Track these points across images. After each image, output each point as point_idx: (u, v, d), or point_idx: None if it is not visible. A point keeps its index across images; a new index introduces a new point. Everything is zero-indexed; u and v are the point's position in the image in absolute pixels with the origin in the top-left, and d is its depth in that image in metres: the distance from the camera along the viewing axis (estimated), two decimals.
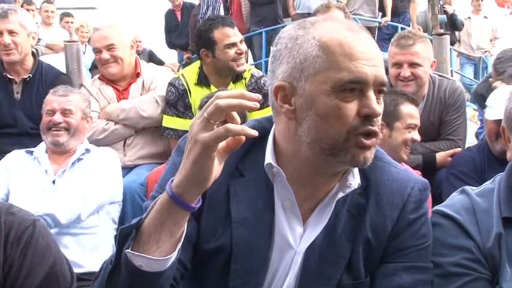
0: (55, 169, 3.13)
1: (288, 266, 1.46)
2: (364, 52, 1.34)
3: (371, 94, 1.33)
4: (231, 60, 3.61)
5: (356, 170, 1.45)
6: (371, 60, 1.34)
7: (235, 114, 1.19)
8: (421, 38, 3.40)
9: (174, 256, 1.25)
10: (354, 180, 1.44)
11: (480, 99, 3.72)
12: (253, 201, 1.45)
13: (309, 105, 1.35)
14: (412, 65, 3.34)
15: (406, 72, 3.33)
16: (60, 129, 3.15)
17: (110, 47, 3.71)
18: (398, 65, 3.36)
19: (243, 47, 3.67)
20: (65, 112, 3.19)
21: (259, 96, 1.18)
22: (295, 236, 1.46)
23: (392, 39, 3.50)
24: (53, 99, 3.23)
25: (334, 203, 1.44)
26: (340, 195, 1.43)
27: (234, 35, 3.63)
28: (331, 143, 1.34)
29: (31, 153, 3.20)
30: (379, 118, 1.37)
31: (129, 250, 1.23)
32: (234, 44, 3.61)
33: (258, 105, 1.15)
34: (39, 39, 5.69)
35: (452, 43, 9.80)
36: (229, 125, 1.15)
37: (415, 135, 2.99)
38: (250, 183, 1.46)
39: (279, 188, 1.45)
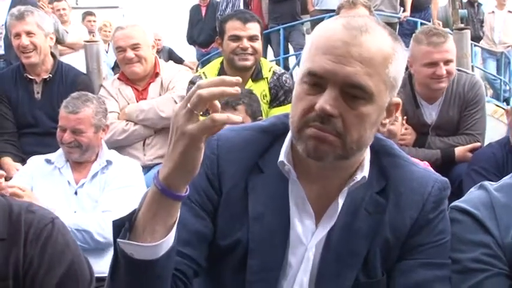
0: (77, 178, 3.11)
1: (299, 262, 1.46)
2: (337, 48, 1.29)
3: (328, 91, 1.29)
4: (231, 52, 3.57)
5: (366, 165, 1.44)
6: (341, 57, 1.29)
7: (216, 102, 1.17)
8: (447, 34, 3.36)
9: (167, 244, 1.24)
10: (361, 173, 1.43)
11: None
12: (271, 197, 1.45)
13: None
14: (447, 62, 3.31)
15: (442, 70, 3.30)
16: (71, 146, 3.08)
17: (134, 46, 3.72)
18: (433, 64, 3.31)
19: (251, 44, 3.57)
20: (75, 131, 3.08)
21: (239, 79, 1.16)
22: (307, 233, 1.45)
23: (416, 36, 3.42)
24: (63, 116, 3.10)
25: (343, 198, 1.43)
26: (346, 189, 1.43)
27: (243, 29, 3.57)
28: (293, 130, 1.38)
29: (51, 162, 3.15)
30: (353, 123, 1.31)
31: (120, 239, 1.23)
32: (238, 38, 3.56)
33: (239, 89, 1.14)
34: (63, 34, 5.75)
35: (478, 38, 9.72)
36: (216, 116, 1.14)
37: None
38: (269, 179, 1.46)
39: (292, 185, 1.45)
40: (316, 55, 1.33)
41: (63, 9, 8.18)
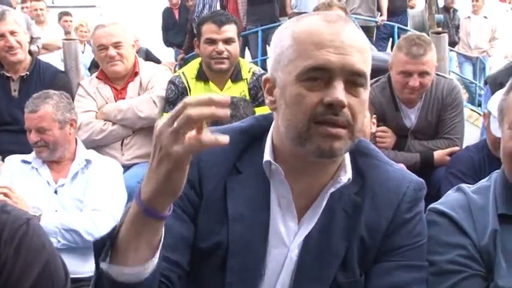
0: (56, 177, 3.09)
1: (281, 262, 1.46)
2: (334, 40, 1.32)
3: (336, 83, 1.31)
4: (207, 56, 3.58)
5: (348, 166, 1.45)
6: (340, 48, 1.32)
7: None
8: (430, 45, 3.34)
9: (152, 265, 1.23)
10: (345, 175, 1.43)
11: (498, 88, 3.36)
12: (250, 197, 1.45)
13: (282, 94, 1.38)
14: (422, 74, 3.32)
15: (416, 82, 3.31)
16: (39, 146, 3.06)
17: (116, 45, 3.69)
18: (408, 73, 3.32)
19: (226, 47, 3.56)
20: (39, 130, 3.05)
21: (227, 99, 1.09)
22: (290, 233, 1.46)
23: (399, 42, 3.41)
24: (26, 116, 3.08)
25: (326, 199, 1.44)
26: (331, 190, 1.43)
27: (218, 32, 3.56)
28: (296, 132, 1.35)
29: (28, 162, 3.12)
30: (359, 110, 1.34)
31: (104, 264, 1.21)
32: (213, 41, 3.56)
33: (229, 112, 1.08)
34: (36, 38, 5.68)
35: (454, 44, 9.83)
36: (204, 137, 1.08)
37: None
38: (248, 180, 1.46)
39: (276, 185, 1.45)
40: (311, 51, 1.33)
41: (41, 9, 8.08)
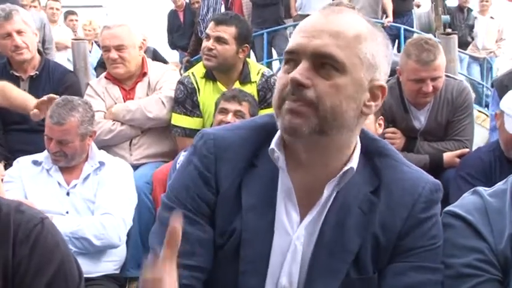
0: (68, 179, 3.08)
1: (285, 252, 1.46)
2: (309, 26, 1.38)
3: (301, 64, 1.35)
4: (202, 51, 3.65)
5: (355, 158, 1.45)
6: (312, 32, 1.36)
7: None
8: (438, 49, 3.31)
9: None
10: (349, 165, 1.44)
11: (504, 91, 3.41)
12: (263, 188, 1.46)
13: None
14: (434, 79, 3.30)
15: (429, 87, 3.29)
16: (57, 155, 3.04)
17: (119, 47, 3.70)
18: (420, 80, 3.30)
19: (215, 46, 3.56)
20: (61, 141, 3.02)
21: None
22: (292, 223, 1.47)
23: (407, 48, 3.37)
24: (49, 126, 3.04)
25: (330, 190, 1.45)
26: (335, 182, 1.44)
27: (212, 29, 3.61)
28: (274, 110, 1.42)
29: (38, 163, 3.11)
30: (326, 93, 1.34)
31: None
32: (208, 37, 3.62)
33: None
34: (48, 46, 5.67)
35: (466, 44, 9.78)
36: None
37: None
38: (262, 172, 1.47)
39: (281, 175, 1.47)
40: (292, 37, 1.41)
41: (57, 9, 8.08)
